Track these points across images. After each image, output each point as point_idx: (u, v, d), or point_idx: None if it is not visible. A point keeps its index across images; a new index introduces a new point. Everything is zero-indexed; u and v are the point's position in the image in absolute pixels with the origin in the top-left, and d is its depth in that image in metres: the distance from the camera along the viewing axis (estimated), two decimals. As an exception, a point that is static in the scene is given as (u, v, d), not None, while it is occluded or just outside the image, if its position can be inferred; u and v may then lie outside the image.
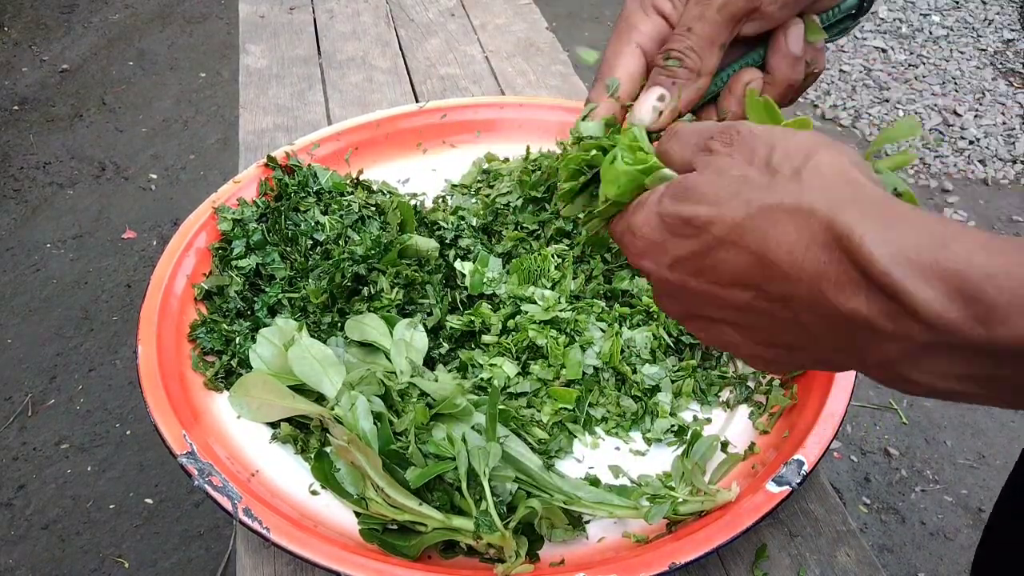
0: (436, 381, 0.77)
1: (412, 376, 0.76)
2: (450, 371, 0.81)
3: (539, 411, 0.77)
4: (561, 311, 0.82)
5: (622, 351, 0.79)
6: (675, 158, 0.44)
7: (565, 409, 0.77)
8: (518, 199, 0.97)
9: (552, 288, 0.85)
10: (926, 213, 0.34)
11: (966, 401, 0.34)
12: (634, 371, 0.79)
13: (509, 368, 0.78)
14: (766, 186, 0.37)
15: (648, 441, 0.76)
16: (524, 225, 0.94)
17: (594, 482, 0.71)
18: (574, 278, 0.87)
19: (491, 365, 0.80)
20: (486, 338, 0.82)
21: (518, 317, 0.82)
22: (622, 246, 0.46)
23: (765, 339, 0.40)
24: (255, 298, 0.86)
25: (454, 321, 0.83)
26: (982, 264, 0.31)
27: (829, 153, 0.37)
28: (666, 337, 0.82)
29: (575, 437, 0.77)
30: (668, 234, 0.41)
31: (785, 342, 0.39)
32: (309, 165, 0.99)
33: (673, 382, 0.80)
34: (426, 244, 0.88)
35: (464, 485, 0.65)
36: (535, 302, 0.83)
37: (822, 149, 0.37)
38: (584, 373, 0.78)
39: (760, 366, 0.44)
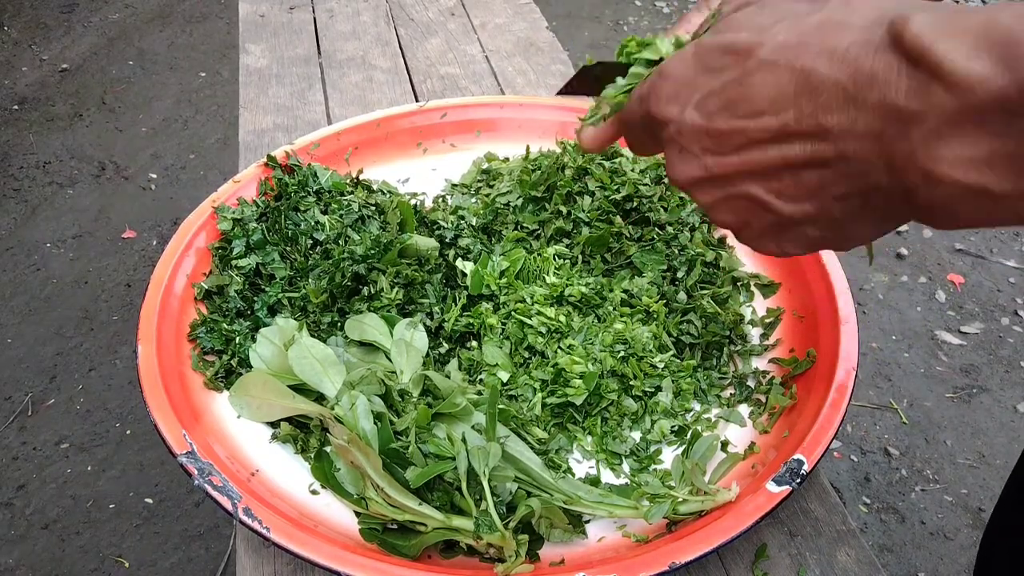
0: (448, 377, 0.77)
1: (423, 369, 0.76)
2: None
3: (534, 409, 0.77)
4: (561, 305, 0.82)
5: (623, 352, 0.79)
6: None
7: (568, 406, 0.77)
8: (518, 199, 0.97)
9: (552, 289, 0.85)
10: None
11: (990, 210, 0.32)
12: (634, 376, 0.79)
13: (503, 374, 0.78)
14: (816, 11, 0.37)
15: (647, 443, 0.76)
16: (524, 225, 0.94)
17: (594, 482, 0.71)
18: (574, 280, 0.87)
19: (488, 366, 0.80)
20: (486, 342, 0.82)
21: (514, 314, 0.82)
22: (647, 100, 0.45)
23: (788, 188, 0.39)
24: (255, 298, 0.86)
25: (453, 321, 0.83)
26: (1008, 21, 0.30)
27: None
28: (666, 337, 0.82)
29: (575, 438, 0.77)
30: (702, 69, 0.40)
31: (808, 183, 0.38)
32: (309, 165, 0.99)
33: (673, 382, 0.80)
34: (426, 244, 0.88)
35: (464, 485, 0.65)
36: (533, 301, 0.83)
37: None
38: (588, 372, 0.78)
39: (771, 237, 0.42)
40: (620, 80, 0.54)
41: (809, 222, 0.40)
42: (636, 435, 0.77)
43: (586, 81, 0.59)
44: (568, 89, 0.61)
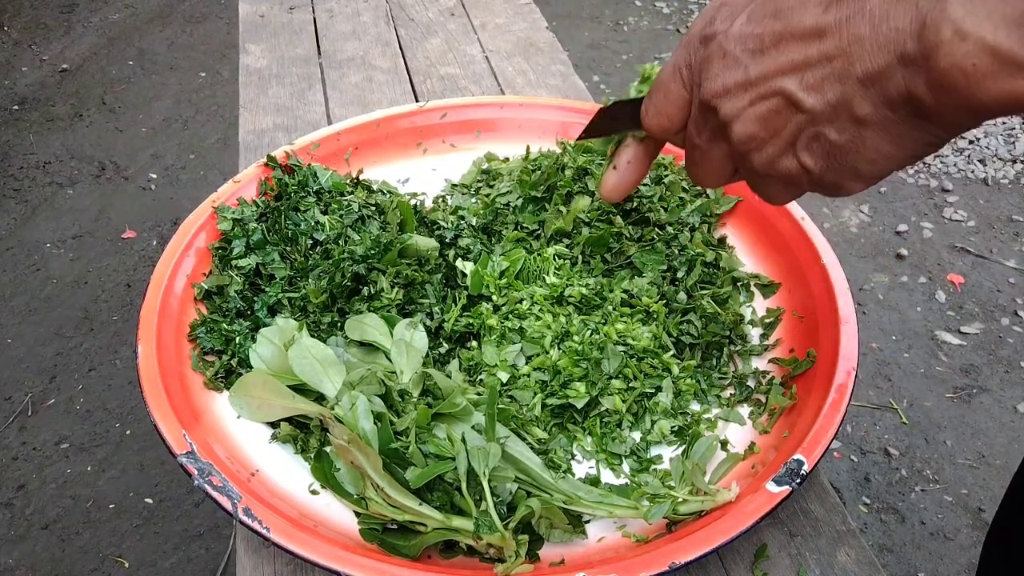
0: (449, 376, 0.77)
1: (424, 368, 0.76)
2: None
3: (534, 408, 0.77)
4: (562, 305, 0.82)
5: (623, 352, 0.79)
6: None
7: (568, 407, 0.77)
8: (518, 199, 0.97)
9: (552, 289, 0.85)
10: None
11: (1004, 83, 0.33)
12: (633, 377, 0.79)
13: (502, 375, 0.78)
14: None
15: (647, 443, 0.76)
16: (524, 225, 0.94)
17: (594, 482, 0.71)
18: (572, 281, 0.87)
19: (487, 367, 0.80)
20: (485, 343, 0.82)
21: (515, 311, 0.82)
22: (701, 28, 0.47)
23: (819, 78, 0.41)
24: (255, 298, 0.86)
25: (453, 322, 0.83)
26: None
27: None
28: (666, 337, 0.82)
29: (575, 438, 0.77)
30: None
31: (838, 67, 0.40)
32: (309, 165, 0.99)
33: (673, 382, 0.80)
34: (426, 244, 0.88)
35: (464, 485, 0.65)
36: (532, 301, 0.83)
37: None
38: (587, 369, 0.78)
39: (790, 146, 0.44)
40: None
41: (832, 118, 0.41)
42: (636, 435, 0.77)
43: (605, 122, 0.60)
44: (589, 132, 0.61)
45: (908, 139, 0.40)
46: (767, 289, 0.90)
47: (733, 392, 0.81)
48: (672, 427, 0.77)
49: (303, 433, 0.75)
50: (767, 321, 0.86)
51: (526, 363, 0.80)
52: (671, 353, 0.82)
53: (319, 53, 1.39)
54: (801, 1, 0.41)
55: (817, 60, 0.40)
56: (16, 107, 3.12)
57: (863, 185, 0.44)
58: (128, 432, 1.95)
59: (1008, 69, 0.33)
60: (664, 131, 0.54)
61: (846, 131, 0.41)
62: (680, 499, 0.66)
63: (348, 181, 1.00)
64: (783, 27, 0.42)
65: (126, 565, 1.68)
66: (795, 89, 0.41)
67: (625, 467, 0.75)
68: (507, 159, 1.08)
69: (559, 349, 0.80)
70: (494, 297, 0.86)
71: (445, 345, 0.83)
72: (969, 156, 2.76)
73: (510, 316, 0.83)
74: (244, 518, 0.63)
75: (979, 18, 0.33)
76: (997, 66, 0.33)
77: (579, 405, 0.76)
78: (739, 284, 0.90)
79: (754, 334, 0.86)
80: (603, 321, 0.82)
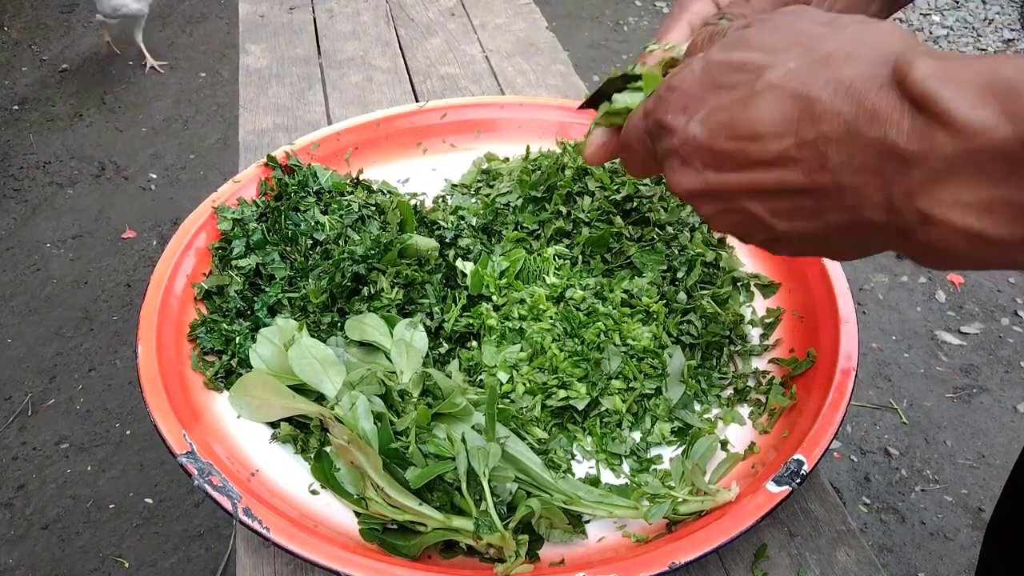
0: (449, 376, 0.77)
1: (424, 368, 0.76)
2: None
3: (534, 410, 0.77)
4: (560, 306, 0.82)
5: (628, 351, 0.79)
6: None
7: (568, 408, 0.77)
8: (518, 199, 0.97)
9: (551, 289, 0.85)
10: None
11: (984, 254, 0.33)
12: (633, 378, 0.79)
13: (502, 375, 0.78)
14: (831, 35, 0.38)
15: (647, 444, 0.76)
16: (524, 225, 0.94)
17: (594, 482, 0.71)
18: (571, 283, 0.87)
19: (487, 367, 0.80)
20: (485, 343, 0.82)
21: (515, 313, 0.82)
22: (654, 110, 0.45)
23: (785, 209, 0.40)
24: (255, 298, 0.86)
25: (453, 322, 0.83)
26: (1011, 73, 0.31)
27: (880, 23, 0.38)
28: (666, 337, 0.82)
29: (575, 438, 0.77)
30: (710, 84, 0.41)
31: (804, 208, 0.39)
32: (309, 165, 0.99)
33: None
34: (426, 244, 0.88)
35: (464, 485, 0.65)
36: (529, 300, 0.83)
37: (874, 20, 0.39)
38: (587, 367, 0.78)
39: (768, 246, 0.43)
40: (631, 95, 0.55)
41: (805, 240, 0.41)
42: (636, 435, 0.77)
43: (610, 94, 0.59)
44: (592, 102, 0.60)
45: (888, 248, 0.41)
46: (767, 289, 0.90)
47: (733, 392, 0.81)
48: (672, 428, 0.77)
49: (303, 433, 0.75)
50: (767, 321, 0.86)
51: (528, 364, 0.80)
52: (672, 352, 0.82)
53: (319, 53, 1.39)
54: (769, 129, 0.38)
55: (782, 192, 0.39)
56: (16, 107, 3.12)
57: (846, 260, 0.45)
58: (128, 432, 1.95)
59: (982, 244, 0.33)
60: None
61: (823, 247, 0.41)
62: (680, 499, 0.66)
63: (348, 181, 1.00)
64: (746, 152, 0.40)
65: (126, 565, 1.68)
66: (760, 212, 0.41)
67: (625, 467, 0.75)
68: (507, 159, 1.08)
69: (560, 350, 0.80)
70: (494, 297, 0.86)
71: (445, 345, 0.83)
72: (969, 156, 2.76)
73: (510, 316, 0.83)
74: (244, 518, 0.63)
75: (945, 205, 0.33)
76: (972, 245, 0.34)
77: (580, 406, 0.76)
78: (739, 284, 0.90)
79: (754, 334, 0.86)
80: (604, 324, 0.82)
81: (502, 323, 0.83)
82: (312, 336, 0.80)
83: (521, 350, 0.80)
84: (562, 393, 0.77)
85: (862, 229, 0.38)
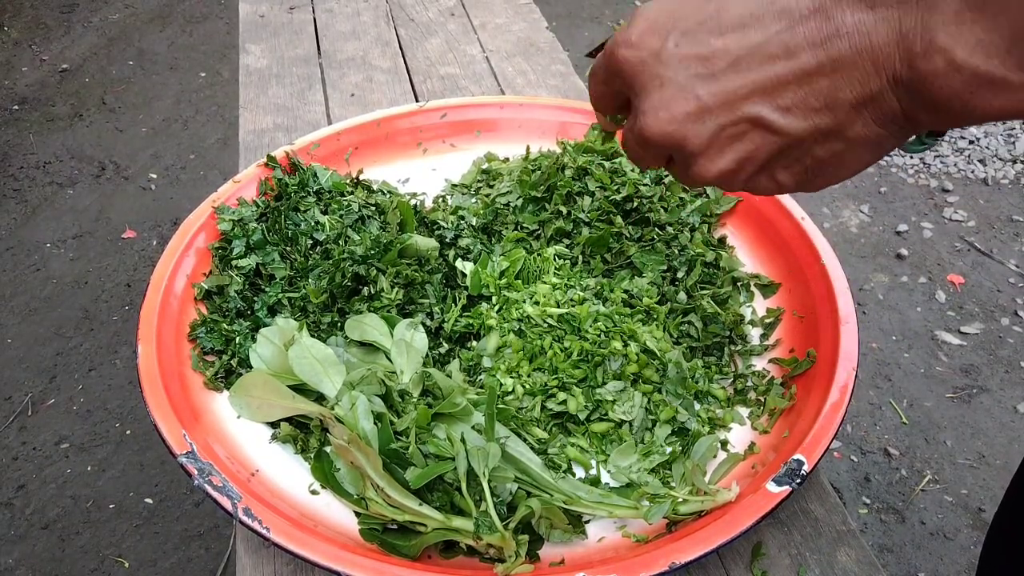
0: (449, 376, 0.77)
1: (424, 368, 0.76)
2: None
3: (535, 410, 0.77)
4: (561, 309, 0.82)
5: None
6: None
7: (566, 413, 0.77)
8: (518, 199, 0.97)
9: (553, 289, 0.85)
10: None
11: (1004, 99, 0.33)
12: (633, 380, 0.79)
13: (507, 380, 0.78)
14: None
15: (649, 451, 0.76)
16: (524, 225, 0.94)
17: (594, 482, 0.71)
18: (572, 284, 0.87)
19: (487, 370, 0.80)
20: (487, 344, 0.82)
21: (515, 314, 0.82)
22: (620, 44, 0.42)
23: (800, 101, 0.37)
24: (255, 298, 0.86)
25: (453, 322, 0.83)
26: None
27: None
28: (666, 337, 0.82)
29: (575, 439, 0.77)
30: (679, 2, 0.40)
31: (821, 91, 0.36)
32: (309, 165, 0.99)
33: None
34: (426, 244, 0.88)
35: (464, 485, 0.65)
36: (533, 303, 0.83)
37: None
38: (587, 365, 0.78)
39: (769, 169, 0.40)
40: None
41: (818, 140, 0.38)
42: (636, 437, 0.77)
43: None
44: (597, 52, 0.59)
45: (890, 146, 0.39)
46: (767, 289, 0.90)
47: (733, 392, 0.81)
48: (673, 428, 0.77)
49: (303, 433, 0.75)
50: (767, 321, 0.86)
51: (529, 363, 0.80)
52: (672, 353, 0.82)
53: (319, 53, 1.39)
54: (754, 17, 0.37)
55: (791, 80, 0.37)
56: (16, 107, 3.12)
57: (827, 186, 0.42)
58: (128, 432, 1.95)
59: (1002, 90, 0.33)
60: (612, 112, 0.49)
61: (832, 149, 0.39)
62: (680, 499, 0.66)
63: (348, 181, 1.00)
64: (738, 46, 0.37)
65: (126, 565, 1.68)
66: (768, 113, 0.38)
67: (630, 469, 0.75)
68: (507, 159, 1.08)
69: (561, 351, 0.79)
70: (494, 298, 0.86)
71: (445, 345, 0.83)
72: (969, 156, 2.76)
73: (508, 318, 0.83)
74: (244, 518, 0.63)
75: (968, 48, 0.33)
76: (991, 91, 0.33)
77: (581, 417, 0.76)
78: (739, 284, 0.90)
79: (754, 334, 0.86)
80: (604, 324, 0.82)
81: (502, 323, 0.83)
82: (312, 336, 0.80)
83: (522, 350, 0.80)
84: (561, 396, 0.77)
85: (880, 100, 0.36)
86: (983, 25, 0.32)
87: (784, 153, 0.39)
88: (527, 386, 0.78)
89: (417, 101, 1.18)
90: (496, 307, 0.85)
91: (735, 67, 0.37)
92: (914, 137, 0.50)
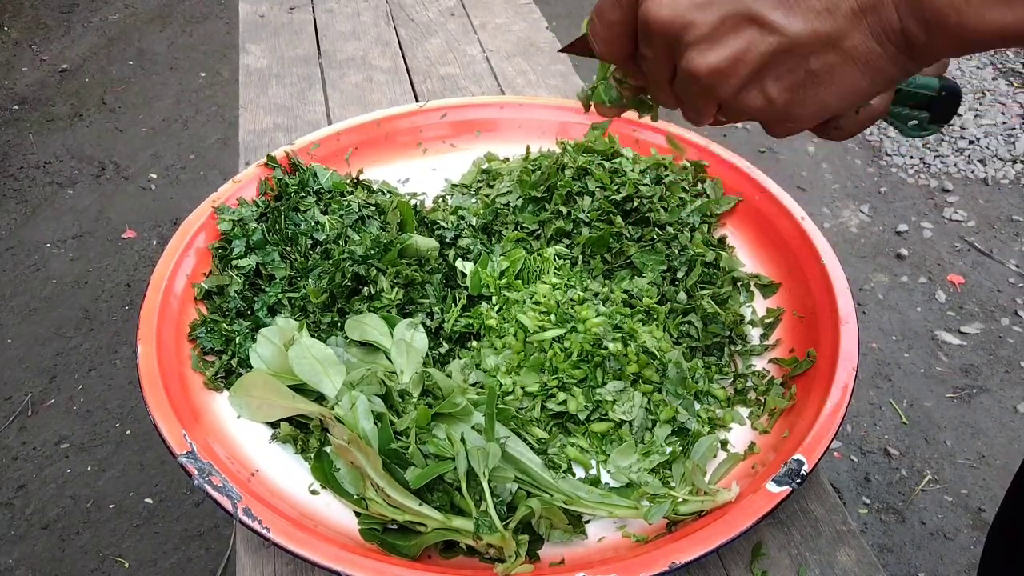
0: (449, 376, 0.77)
1: (424, 368, 0.76)
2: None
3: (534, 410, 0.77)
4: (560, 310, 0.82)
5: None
6: None
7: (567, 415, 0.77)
8: (518, 199, 0.97)
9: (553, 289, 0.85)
10: None
11: (1000, 15, 0.34)
12: (633, 380, 0.79)
13: (507, 380, 0.78)
14: None
15: (649, 451, 0.76)
16: (524, 225, 0.94)
17: (594, 482, 0.71)
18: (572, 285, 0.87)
19: (486, 371, 0.80)
20: (487, 348, 0.82)
21: (513, 312, 0.82)
22: (652, 10, 0.42)
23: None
24: (255, 298, 0.86)
25: (453, 322, 0.83)
26: None
27: None
28: (667, 337, 0.82)
29: (575, 439, 0.77)
30: None
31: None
32: (309, 165, 0.99)
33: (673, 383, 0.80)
34: (426, 244, 0.88)
35: (464, 485, 0.65)
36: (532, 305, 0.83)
37: None
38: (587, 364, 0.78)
39: (761, 76, 0.40)
40: None
41: (815, 48, 0.39)
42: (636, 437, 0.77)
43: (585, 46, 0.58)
44: (573, 47, 0.59)
45: (884, 74, 0.39)
46: (767, 289, 0.90)
47: (733, 392, 0.81)
48: (673, 428, 0.77)
49: (303, 433, 0.75)
50: (767, 321, 0.86)
51: (529, 363, 0.80)
52: (672, 353, 0.82)
53: (319, 53, 1.39)
54: None
55: None
56: (16, 107, 3.12)
57: (812, 123, 0.42)
58: (128, 432, 1.95)
59: (999, 2, 0.34)
60: (618, 60, 0.49)
61: (827, 61, 0.38)
62: (680, 499, 0.66)
63: (348, 181, 1.00)
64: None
65: (126, 565, 1.68)
66: (769, 11, 0.38)
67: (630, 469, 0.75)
68: (507, 159, 1.08)
69: (561, 351, 0.79)
70: (494, 298, 0.86)
71: (445, 345, 0.83)
72: (969, 156, 2.76)
73: (508, 318, 0.83)
74: (244, 518, 0.63)
75: None
76: (989, 2, 0.34)
77: (581, 417, 0.76)
78: (739, 284, 0.90)
79: (754, 334, 0.86)
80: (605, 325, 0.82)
81: (502, 324, 0.83)
82: (312, 336, 0.80)
83: (522, 351, 0.80)
84: (561, 396, 0.77)
85: (876, 12, 0.37)
86: None
87: (778, 59, 0.39)
88: (527, 387, 0.78)
89: (417, 101, 1.18)
90: (496, 307, 0.85)
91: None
92: (915, 122, 0.50)
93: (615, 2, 0.44)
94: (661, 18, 0.41)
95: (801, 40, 0.38)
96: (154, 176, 2.78)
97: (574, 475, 0.73)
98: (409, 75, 1.33)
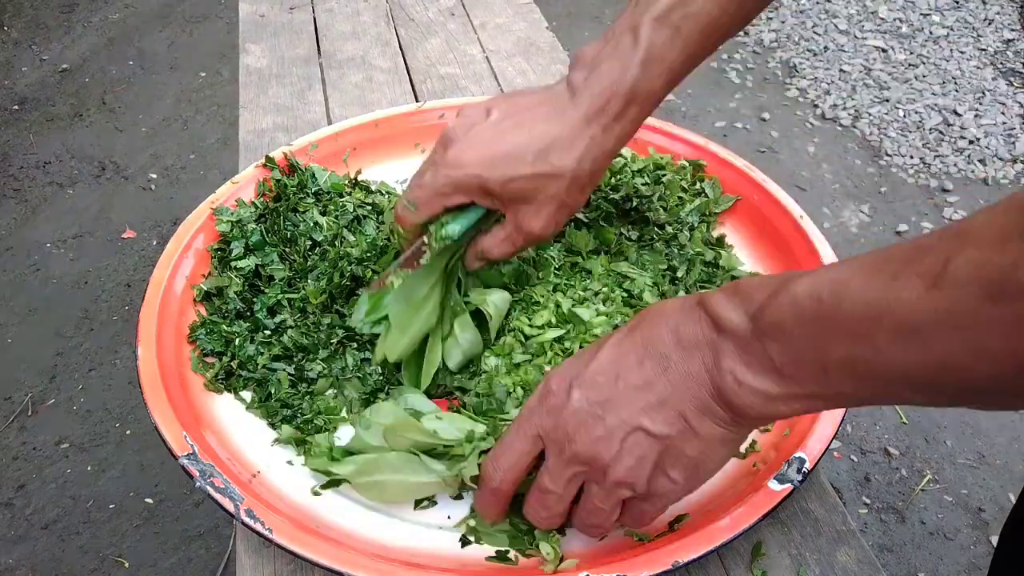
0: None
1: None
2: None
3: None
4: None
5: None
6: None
7: None
8: (518, 199, 0.96)
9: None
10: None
11: (774, 406, 0.49)
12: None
13: (507, 380, 0.78)
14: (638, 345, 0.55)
15: None
16: (524, 225, 0.94)
17: None
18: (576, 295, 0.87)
19: (486, 371, 0.80)
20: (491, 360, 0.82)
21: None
22: (533, 412, 0.59)
23: (660, 420, 0.53)
24: (254, 299, 0.86)
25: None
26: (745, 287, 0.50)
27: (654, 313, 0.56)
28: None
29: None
30: (577, 366, 0.58)
31: (674, 415, 0.53)
32: (308, 166, 0.99)
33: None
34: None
35: None
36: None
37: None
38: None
39: (654, 472, 0.55)
40: None
41: (685, 439, 0.53)
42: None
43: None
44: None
45: (737, 440, 0.55)
46: (767, 289, 0.90)
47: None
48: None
49: (306, 436, 0.75)
50: (767, 321, 0.86)
51: (531, 363, 0.80)
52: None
53: (319, 53, 1.39)
54: (628, 364, 0.54)
55: (656, 403, 0.53)
56: (16, 107, 3.12)
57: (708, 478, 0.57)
58: (128, 432, 1.95)
59: (777, 401, 0.48)
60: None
61: (696, 447, 0.53)
62: None
63: (347, 182, 1.00)
64: (623, 387, 0.54)
65: (126, 565, 1.69)
66: (649, 424, 0.53)
67: None
68: (507, 159, 1.07)
69: (562, 352, 0.79)
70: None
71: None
72: (969, 156, 2.76)
73: (507, 319, 0.83)
74: (247, 520, 0.63)
75: (745, 372, 0.49)
76: (769, 402, 0.48)
77: None
78: (739, 284, 0.90)
79: (754, 334, 0.86)
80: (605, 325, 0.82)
81: (501, 324, 0.83)
82: (312, 336, 0.81)
83: (522, 352, 0.80)
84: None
85: (711, 411, 0.52)
86: (746, 357, 0.49)
87: (667, 452, 0.54)
88: (528, 389, 0.78)
89: (417, 101, 1.18)
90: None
91: (625, 401, 0.54)
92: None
93: (529, 442, 0.59)
94: (584, 452, 0.56)
95: (673, 436, 0.53)
96: (154, 176, 2.78)
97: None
98: (409, 75, 1.33)
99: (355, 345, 0.82)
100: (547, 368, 0.79)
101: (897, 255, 0.42)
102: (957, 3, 3.57)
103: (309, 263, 0.87)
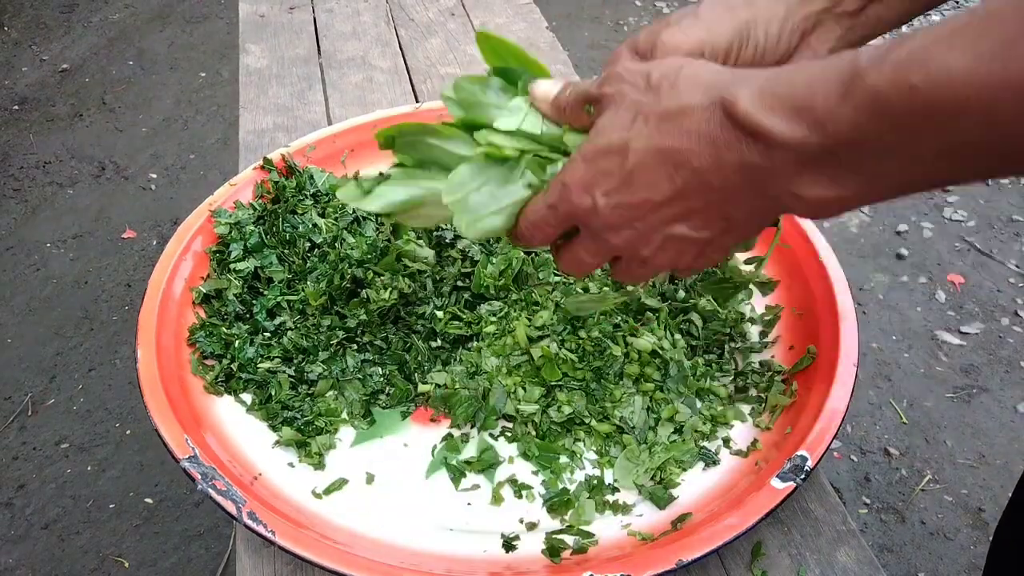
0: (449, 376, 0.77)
1: None
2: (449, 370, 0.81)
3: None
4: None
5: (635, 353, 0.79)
6: (577, 121, 0.53)
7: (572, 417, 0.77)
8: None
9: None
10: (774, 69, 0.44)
11: (843, 204, 0.43)
12: (635, 380, 0.79)
13: (507, 380, 0.78)
14: (655, 102, 0.47)
15: (652, 451, 0.76)
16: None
17: (597, 484, 0.71)
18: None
19: (486, 372, 0.80)
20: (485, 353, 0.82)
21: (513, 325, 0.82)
22: (560, 203, 0.52)
23: (698, 224, 0.49)
24: (254, 301, 0.86)
25: (451, 327, 0.83)
26: (799, 87, 0.41)
27: (692, 64, 0.48)
28: (667, 336, 0.82)
29: (579, 442, 0.77)
30: (595, 171, 0.49)
31: (717, 213, 0.48)
32: (306, 167, 0.99)
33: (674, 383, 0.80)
34: (423, 254, 0.88)
35: None
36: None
37: (685, 64, 0.48)
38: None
39: (697, 259, 0.52)
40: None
41: (725, 234, 0.50)
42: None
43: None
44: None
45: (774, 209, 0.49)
46: (765, 287, 0.90)
47: (734, 390, 0.81)
48: (675, 426, 0.77)
49: (306, 438, 0.76)
50: (766, 318, 0.86)
51: (531, 364, 0.80)
52: (673, 352, 0.82)
53: (319, 53, 1.39)
54: (650, 181, 0.48)
55: (691, 212, 0.49)
56: (16, 107, 3.12)
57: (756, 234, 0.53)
58: (128, 432, 1.95)
59: (840, 202, 0.43)
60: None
61: (737, 231, 0.50)
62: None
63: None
64: (647, 201, 0.49)
65: (126, 565, 1.68)
66: (687, 231, 0.50)
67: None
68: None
69: (562, 353, 0.79)
70: (493, 302, 0.85)
71: (448, 347, 0.83)
72: (969, 156, 2.75)
73: (508, 319, 0.83)
74: (249, 523, 0.63)
75: (805, 188, 0.43)
76: (836, 202, 0.43)
77: (577, 421, 0.76)
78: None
79: (753, 331, 0.86)
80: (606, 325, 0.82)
81: (501, 324, 0.83)
82: (312, 338, 0.81)
83: (522, 352, 0.80)
84: (563, 397, 0.77)
85: (759, 203, 0.47)
86: (804, 173, 0.43)
87: (705, 246, 0.51)
88: (527, 390, 0.78)
89: (417, 101, 1.18)
90: (497, 313, 0.85)
91: (656, 211, 0.49)
92: None
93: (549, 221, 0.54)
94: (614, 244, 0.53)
95: (710, 237, 0.50)
96: (154, 176, 2.78)
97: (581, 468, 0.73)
98: (409, 75, 1.32)
99: (355, 347, 0.82)
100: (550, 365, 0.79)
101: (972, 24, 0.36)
102: (957, 3, 3.57)
103: (308, 265, 0.87)
